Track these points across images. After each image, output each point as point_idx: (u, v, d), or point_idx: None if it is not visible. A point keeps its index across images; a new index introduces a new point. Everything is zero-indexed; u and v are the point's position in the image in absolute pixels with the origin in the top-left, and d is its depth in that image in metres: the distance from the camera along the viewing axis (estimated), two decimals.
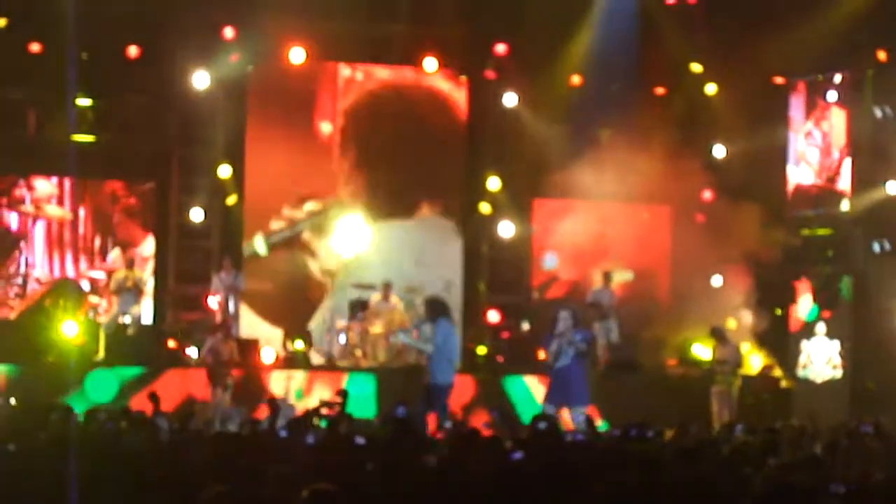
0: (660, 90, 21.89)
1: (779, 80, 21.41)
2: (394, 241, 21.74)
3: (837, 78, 20.66)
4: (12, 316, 19.75)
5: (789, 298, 21.14)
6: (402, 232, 21.86)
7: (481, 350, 20.79)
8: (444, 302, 16.24)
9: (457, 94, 21.94)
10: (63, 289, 19.47)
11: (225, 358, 17.95)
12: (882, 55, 20.02)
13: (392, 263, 21.51)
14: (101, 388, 17.87)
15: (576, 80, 21.40)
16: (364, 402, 17.80)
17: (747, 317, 20.91)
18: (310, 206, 21.51)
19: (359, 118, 21.78)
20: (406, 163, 21.75)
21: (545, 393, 15.55)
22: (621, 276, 21.42)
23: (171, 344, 19.60)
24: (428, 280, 21.40)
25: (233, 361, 18.10)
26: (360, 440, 9.42)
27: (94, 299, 20.49)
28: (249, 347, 19.40)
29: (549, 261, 14.87)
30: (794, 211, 21.41)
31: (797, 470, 8.35)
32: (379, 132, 21.81)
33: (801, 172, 21.22)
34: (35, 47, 19.79)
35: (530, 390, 18.87)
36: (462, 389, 19.19)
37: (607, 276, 21.17)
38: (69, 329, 18.30)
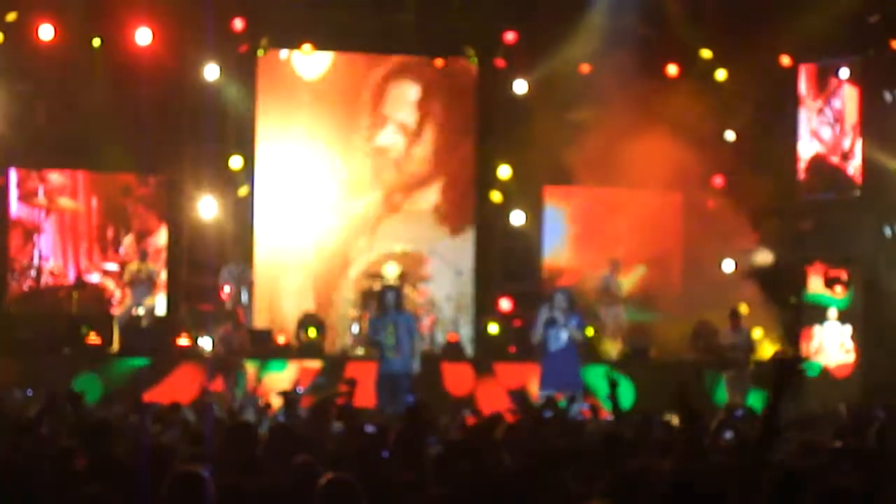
0: (669, 76, 21.86)
1: (787, 62, 21.37)
2: (404, 231, 21.81)
3: (844, 70, 20.66)
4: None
5: (801, 283, 21.14)
6: (413, 221, 21.92)
7: (494, 331, 20.84)
8: (396, 291, 16.42)
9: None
10: None
11: (235, 348, 17.98)
12: (894, 43, 20.00)
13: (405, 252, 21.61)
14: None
15: (585, 67, 21.39)
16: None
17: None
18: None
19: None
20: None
21: (540, 377, 15.40)
22: (636, 273, 21.41)
23: (184, 336, 19.70)
24: (439, 269, 21.46)
25: (244, 351, 18.13)
26: (371, 428, 9.47)
27: (108, 291, 20.61)
28: (263, 337, 19.48)
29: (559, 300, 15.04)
30: (805, 195, 21.41)
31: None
32: None
33: (813, 149, 21.19)
34: (46, 39, 19.83)
35: None
36: (474, 378, 19.31)
37: (615, 263, 21.20)
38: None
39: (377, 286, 20.29)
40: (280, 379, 18.33)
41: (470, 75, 22.01)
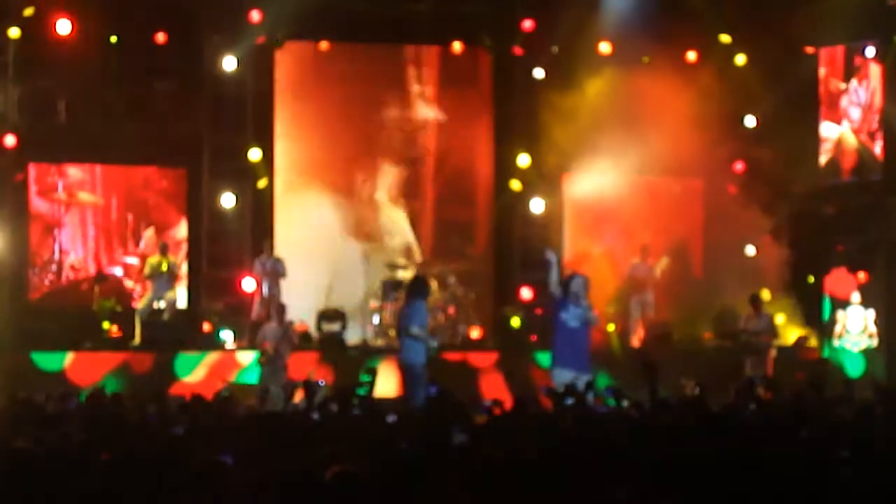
0: (689, 62, 21.77)
1: (806, 46, 21.28)
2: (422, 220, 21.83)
3: (870, 49, 20.55)
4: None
5: (823, 268, 21.05)
6: (431, 209, 21.93)
7: (515, 322, 20.80)
8: (421, 281, 16.17)
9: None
10: None
11: (278, 342, 17.82)
12: None
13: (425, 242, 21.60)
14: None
15: (603, 53, 21.33)
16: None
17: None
18: None
19: None
20: None
21: (552, 355, 15.10)
22: (662, 264, 21.33)
23: (206, 328, 19.74)
24: (459, 258, 21.47)
25: (290, 345, 17.99)
26: (392, 418, 9.44)
27: (128, 284, 20.65)
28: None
29: (550, 257, 14.76)
30: (828, 179, 21.31)
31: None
32: None
33: (839, 129, 21.08)
34: (63, 34, 19.85)
35: None
36: (496, 367, 19.29)
37: (645, 250, 21.17)
38: None
39: (399, 276, 20.29)
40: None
41: (487, 63, 21.96)
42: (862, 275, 20.45)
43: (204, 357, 18.70)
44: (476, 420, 10.45)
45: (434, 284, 20.14)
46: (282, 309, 18.31)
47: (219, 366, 18.59)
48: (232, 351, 19.09)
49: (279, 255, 20.04)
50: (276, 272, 19.72)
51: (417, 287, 15.86)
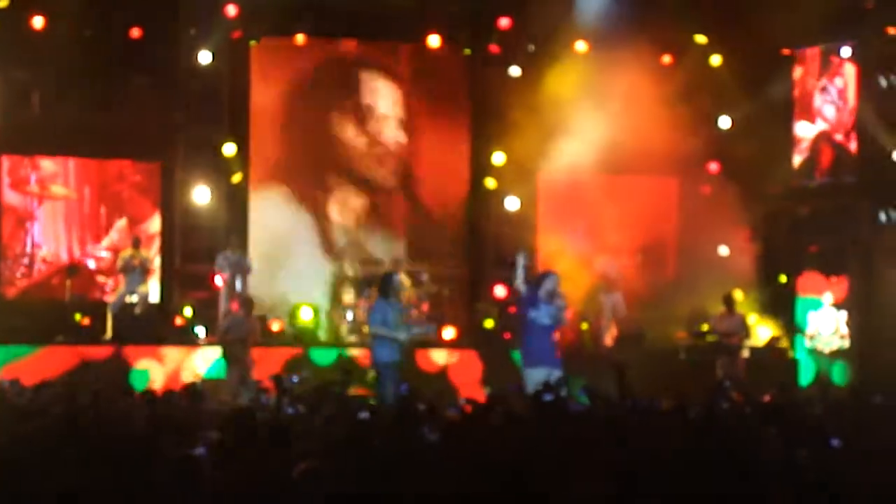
0: (664, 62, 21.81)
1: (781, 47, 21.34)
2: (398, 217, 21.80)
3: (845, 49, 20.62)
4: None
5: (796, 269, 21.12)
6: (406, 206, 21.91)
7: (489, 323, 20.80)
8: (386, 278, 16.09)
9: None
10: None
11: (244, 336, 17.84)
12: (892, 30, 19.94)
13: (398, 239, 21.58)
14: None
15: (580, 52, 21.35)
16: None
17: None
18: None
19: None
20: None
21: (525, 356, 15.05)
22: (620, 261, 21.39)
23: (179, 322, 19.67)
24: (433, 255, 21.47)
25: (253, 339, 18.00)
26: (364, 415, 9.43)
27: (100, 279, 20.56)
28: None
29: (521, 259, 14.72)
30: (802, 180, 21.37)
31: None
32: None
33: (817, 129, 21.14)
34: (38, 25, 19.75)
35: None
36: (469, 365, 19.28)
37: (617, 249, 21.21)
38: None
39: (375, 272, 20.25)
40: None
41: (463, 61, 21.95)
42: (834, 276, 20.53)
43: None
44: (448, 418, 10.44)
45: (407, 282, 20.13)
46: (248, 303, 18.30)
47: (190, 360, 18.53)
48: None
49: (241, 251, 19.99)
50: (240, 267, 19.68)
51: (382, 285, 15.85)
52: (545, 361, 14.44)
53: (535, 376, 14.09)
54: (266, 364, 17.57)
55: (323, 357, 18.86)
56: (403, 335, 15.55)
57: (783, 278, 21.33)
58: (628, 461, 6.61)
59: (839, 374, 19.83)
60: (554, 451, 7.62)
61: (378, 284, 16.25)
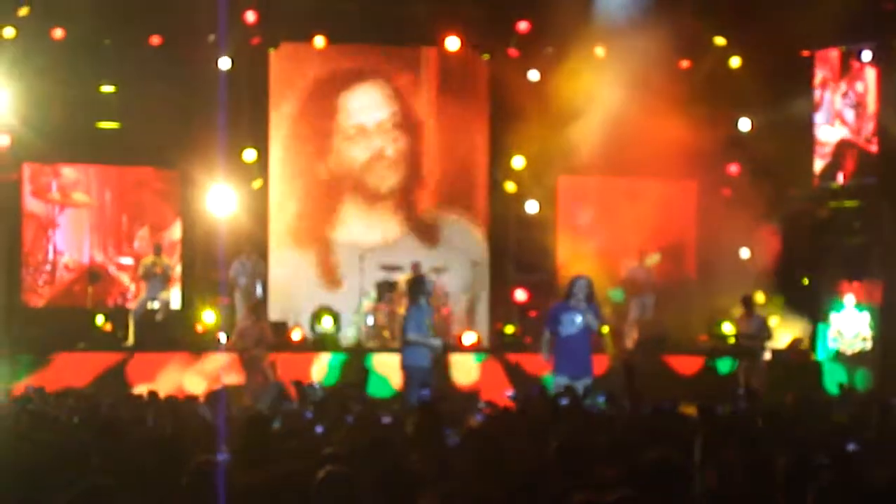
0: (684, 64, 21.78)
1: (801, 48, 21.28)
2: (417, 222, 21.81)
3: (866, 53, 20.55)
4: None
5: (817, 271, 21.06)
6: (426, 211, 21.92)
7: (509, 329, 20.79)
8: (418, 282, 16.02)
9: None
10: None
11: (254, 341, 17.90)
12: None
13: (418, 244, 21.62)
14: None
15: (599, 55, 21.33)
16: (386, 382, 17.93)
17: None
18: None
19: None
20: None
21: (555, 363, 15.07)
22: (651, 260, 21.36)
23: (199, 328, 19.74)
24: (454, 260, 21.45)
25: (265, 344, 18.06)
26: (387, 419, 9.44)
27: (123, 284, 20.63)
28: (279, 330, 19.46)
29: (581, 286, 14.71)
30: (822, 182, 21.30)
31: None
32: None
33: (837, 133, 21.08)
34: (58, 35, 19.84)
35: None
36: (491, 369, 19.28)
37: (643, 254, 21.21)
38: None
39: (394, 278, 20.27)
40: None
41: (482, 65, 21.97)
42: (856, 278, 20.45)
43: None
44: (469, 422, 10.45)
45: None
46: (259, 308, 18.35)
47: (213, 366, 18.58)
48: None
49: (257, 256, 20.05)
50: (255, 272, 19.72)
51: (412, 290, 15.78)
52: (571, 370, 14.47)
53: (560, 384, 14.11)
54: (287, 369, 17.62)
55: (343, 362, 18.89)
56: (438, 342, 15.53)
57: (805, 280, 21.27)
58: (644, 466, 6.59)
59: (861, 379, 19.74)
60: (570, 455, 7.62)
61: (410, 288, 16.12)
